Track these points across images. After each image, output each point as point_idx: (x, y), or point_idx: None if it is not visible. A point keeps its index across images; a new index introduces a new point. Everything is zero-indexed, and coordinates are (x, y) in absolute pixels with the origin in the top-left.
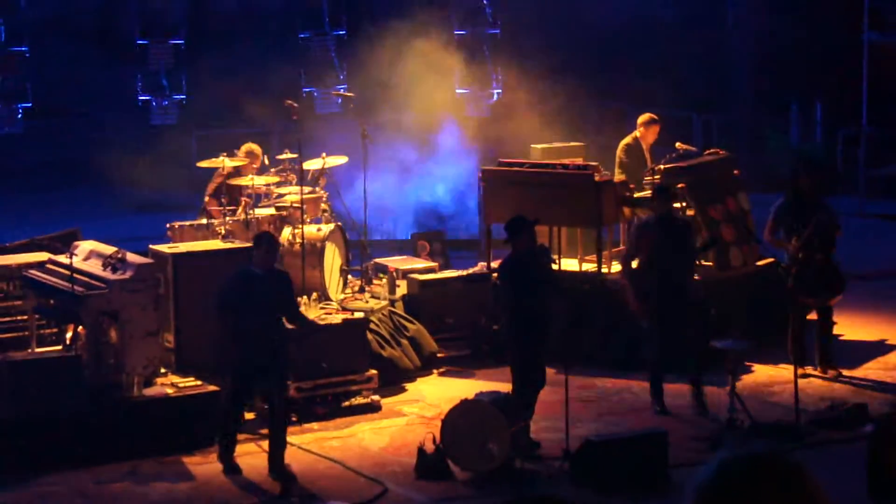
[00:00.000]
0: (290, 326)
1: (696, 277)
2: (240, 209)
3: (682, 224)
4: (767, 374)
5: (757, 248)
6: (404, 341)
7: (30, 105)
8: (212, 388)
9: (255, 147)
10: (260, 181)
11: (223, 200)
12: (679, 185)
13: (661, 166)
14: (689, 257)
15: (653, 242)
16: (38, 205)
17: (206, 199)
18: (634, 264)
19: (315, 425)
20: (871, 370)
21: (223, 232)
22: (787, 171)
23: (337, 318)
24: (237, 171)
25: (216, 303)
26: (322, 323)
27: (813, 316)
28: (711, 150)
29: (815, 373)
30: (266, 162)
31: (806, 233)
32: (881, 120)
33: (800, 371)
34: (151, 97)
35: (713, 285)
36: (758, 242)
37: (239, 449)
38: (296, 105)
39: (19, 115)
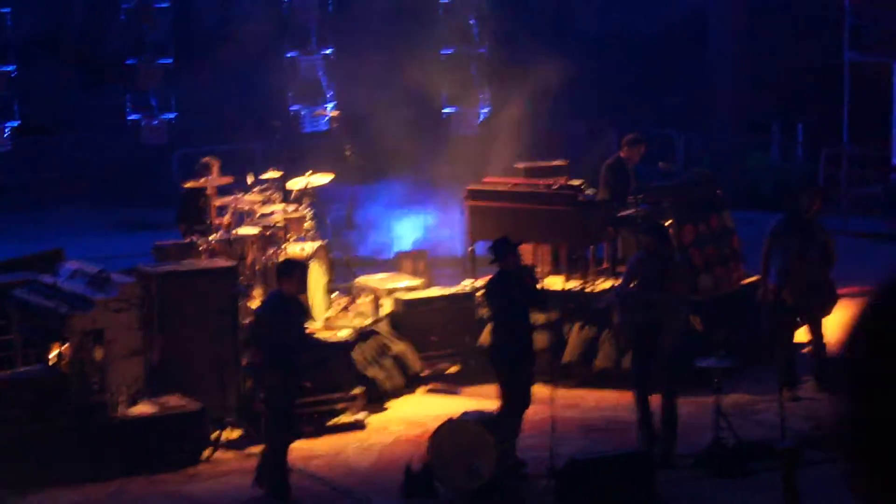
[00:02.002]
0: None
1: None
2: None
3: (672, 263)
4: (752, 393)
5: (738, 268)
6: (387, 362)
7: (17, 123)
8: (196, 406)
9: (209, 159)
10: (245, 200)
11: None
12: (662, 204)
13: (646, 186)
14: (673, 297)
15: (642, 278)
16: (25, 223)
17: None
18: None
19: (301, 443)
20: None
21: (205, 249)
22: (768, 190)
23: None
24: (195, 190)
25: (260, 336)
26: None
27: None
28: (694, 170)
29: (803, 395)
30: (250, 181)
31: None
32: (862, 139)
33: (786, 394)
34: (140, 116)
35: (700, 304)
36: (742, 261)
37: (225, 466)
38: (279, 124)
39: (6, 134)
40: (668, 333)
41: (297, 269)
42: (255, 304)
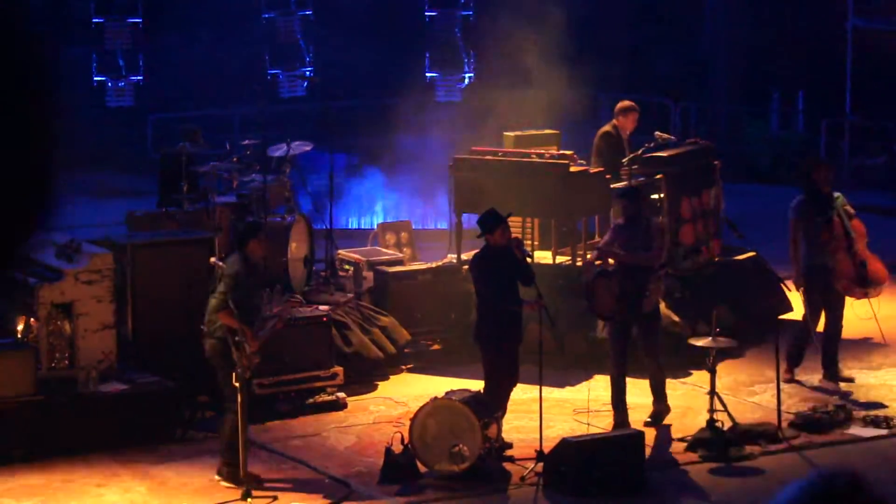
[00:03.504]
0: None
1: (658, 286)
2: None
3: (649, 227)
4: (748, 374)
5: (712, 248)
6: (375, 330)
7: None
8: (169, 383)
9: (194, 129)
10: (222, 168)
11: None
12: (658, 176)
13: (640, 156)
14: (656, 258)
15: (624, 243)
16: None
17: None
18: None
19: (279, 423)
20: (854, 369)
21: (181, 219)
22: (767, 162)
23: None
24: (171, 157)
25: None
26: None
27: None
28: (690, 140)
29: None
30: (228, 147)
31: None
32: (865, 109)
33: (785, 375)
34: (107, 78)
35: (692, 280)
36: (741, 237)
37: (198, 446)
38: (259, 88)
39: None
40: (651, 295)
41: (262, 230)
42: None
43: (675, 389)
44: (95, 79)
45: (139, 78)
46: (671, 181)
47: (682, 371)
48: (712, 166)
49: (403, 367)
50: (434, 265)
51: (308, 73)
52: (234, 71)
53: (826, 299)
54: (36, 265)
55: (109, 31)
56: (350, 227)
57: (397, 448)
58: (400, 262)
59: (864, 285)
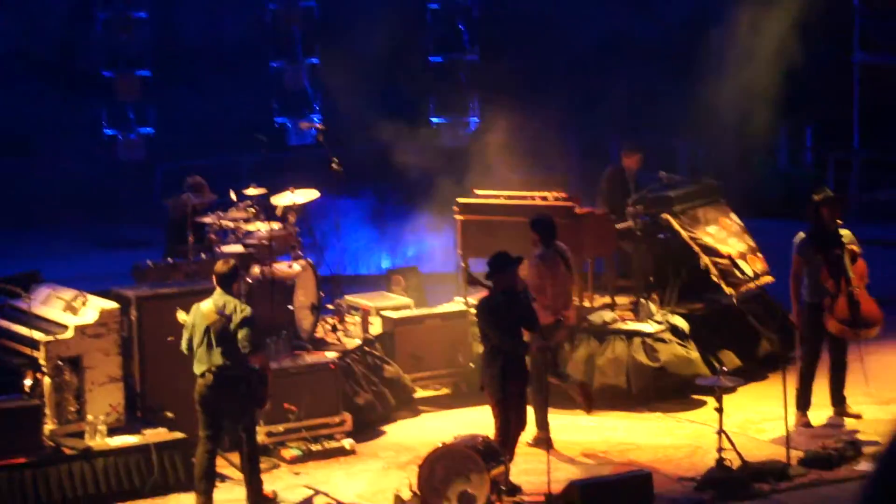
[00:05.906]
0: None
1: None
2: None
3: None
4: (757, 411)
5: (763, 260)
6: (378, 383)
7: None
8: (179, 435)
9: (199, 179)
10: (228, 217)
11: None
12: (663, 215)
13: (646, 195)
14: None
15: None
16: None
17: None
18: None
19: (286, 469)
20: (863, 405)
21: (186, 270)
22: (776, 198)
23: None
24: (176, 208)
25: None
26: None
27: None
28: (697, 179)
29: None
30: (233, 197)
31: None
32: (873, 143)
33: (799, 419)
34: (117, 132)
35: (698, 319)
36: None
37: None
38: (264, 139)
39: None
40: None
41: (239, 271)
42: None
43: (684, 428)
44: (106, 132)
45: (150, 130)
46: (679, 219)
47: (689, 409)
48: (718, 203)
49: (411, 411)
50: (442, 310)
51: (315, 119)
52: (243, 119)
53: (828, 337)
54: (42, 319)
55: (119, 85)
56: (358, 272)
57: (406, 495)
58: (407, 307)
59: (857, 326)
